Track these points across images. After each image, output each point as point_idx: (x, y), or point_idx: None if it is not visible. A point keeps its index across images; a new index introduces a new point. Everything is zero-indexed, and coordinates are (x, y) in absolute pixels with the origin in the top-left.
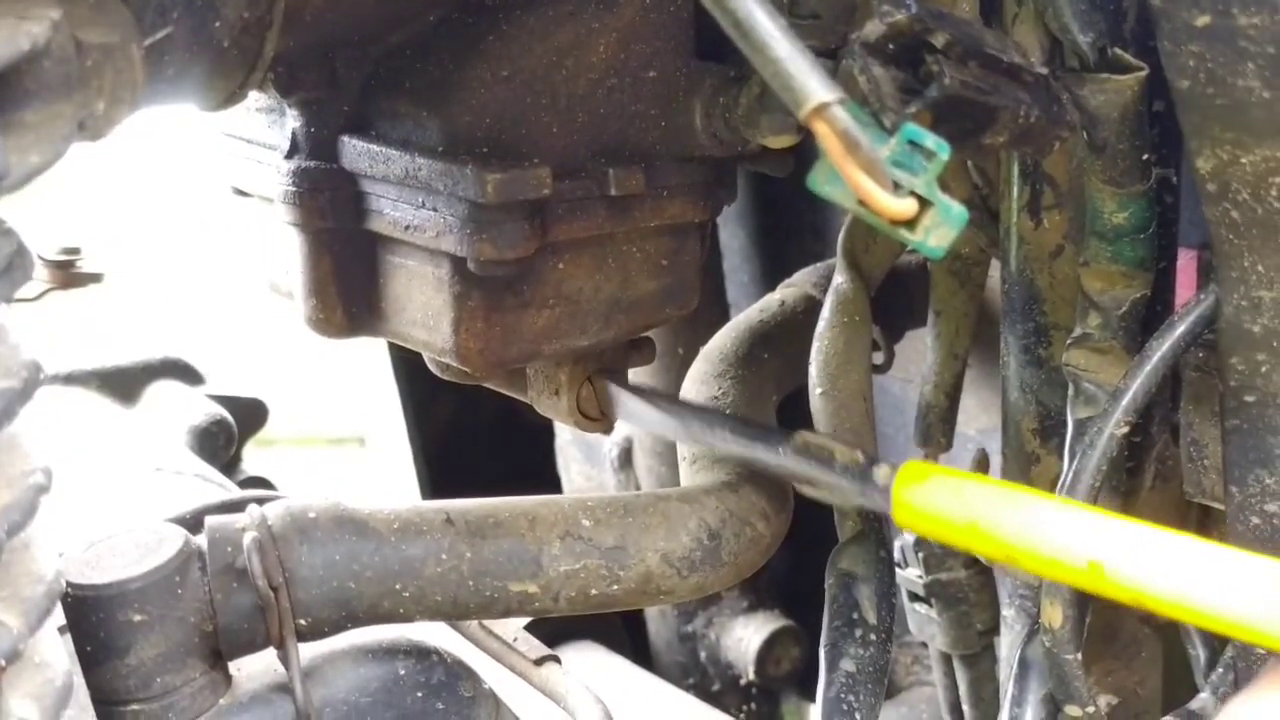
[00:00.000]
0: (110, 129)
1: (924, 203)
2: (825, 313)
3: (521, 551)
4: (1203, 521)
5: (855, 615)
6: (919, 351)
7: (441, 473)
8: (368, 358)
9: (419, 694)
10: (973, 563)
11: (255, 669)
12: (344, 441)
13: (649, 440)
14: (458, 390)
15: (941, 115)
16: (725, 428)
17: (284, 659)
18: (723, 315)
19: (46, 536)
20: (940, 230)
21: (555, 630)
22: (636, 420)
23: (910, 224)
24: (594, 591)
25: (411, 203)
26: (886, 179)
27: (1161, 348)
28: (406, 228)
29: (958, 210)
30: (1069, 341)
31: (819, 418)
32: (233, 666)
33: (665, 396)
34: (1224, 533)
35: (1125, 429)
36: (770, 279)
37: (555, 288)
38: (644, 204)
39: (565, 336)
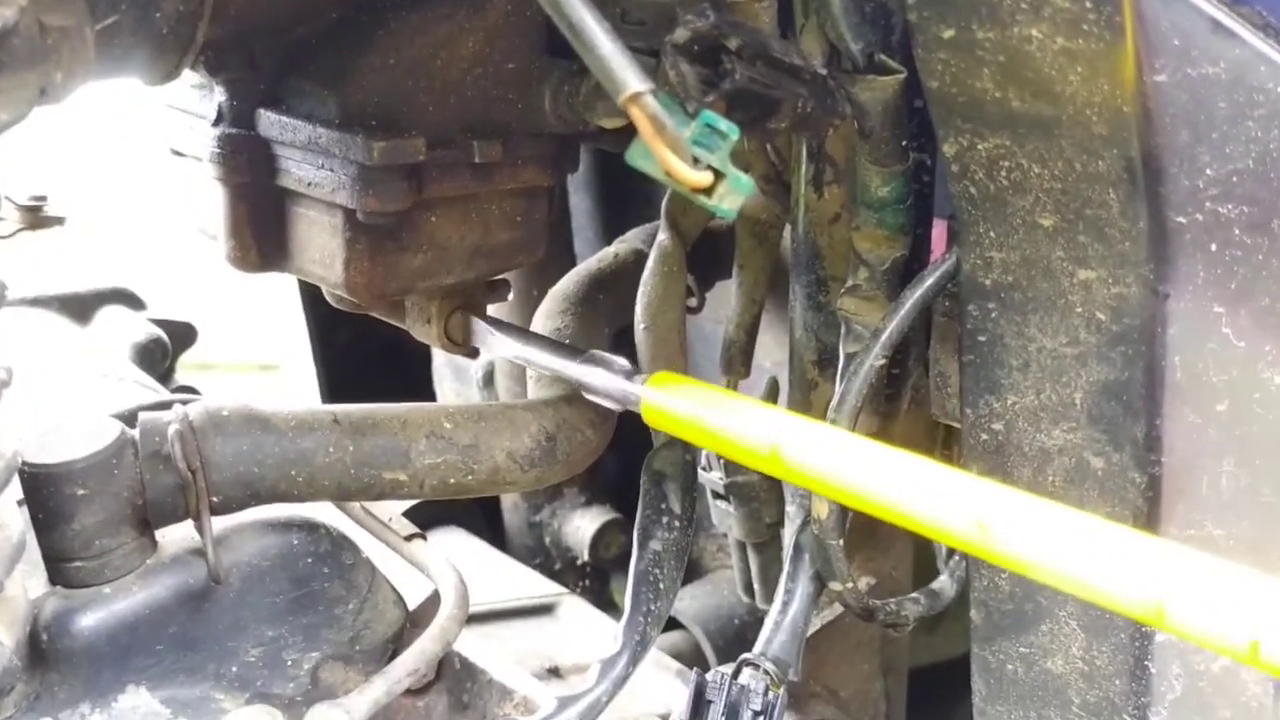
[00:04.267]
0: (67, 95)
1: (718, 174)
2: (650, 264)
3: (394, 446)
4: (946, 440)
5: (663, 506)
6: (725, 297)
7: (341, 389)
8: (282, 292)
9: (309, 560)
10: None
11: (176, 537)
12: (271, 368)
13: (506, 364)
14: (354, 320)
15: (734, 104)
16: (552, 351)
17: (199, 529)
18: (570, 264)
19: (7, 424)
20: (731, 196)
21: (427, 517)
22: (491, 345)
23: (708, 191)
24: (452, 481)
25: (313, 164)
26: (688, 155)
27: (913, 296)
28: (309, 184)
29: (745, 180)
30: (842, 290)
31: (641, 349)
32: (158, 535)
33: (515, 327)
34: (962, 447)
35: (883, 361)
36: (608, 236)
37: (428, 236)
38: (502, 170)
39: (435, 275)
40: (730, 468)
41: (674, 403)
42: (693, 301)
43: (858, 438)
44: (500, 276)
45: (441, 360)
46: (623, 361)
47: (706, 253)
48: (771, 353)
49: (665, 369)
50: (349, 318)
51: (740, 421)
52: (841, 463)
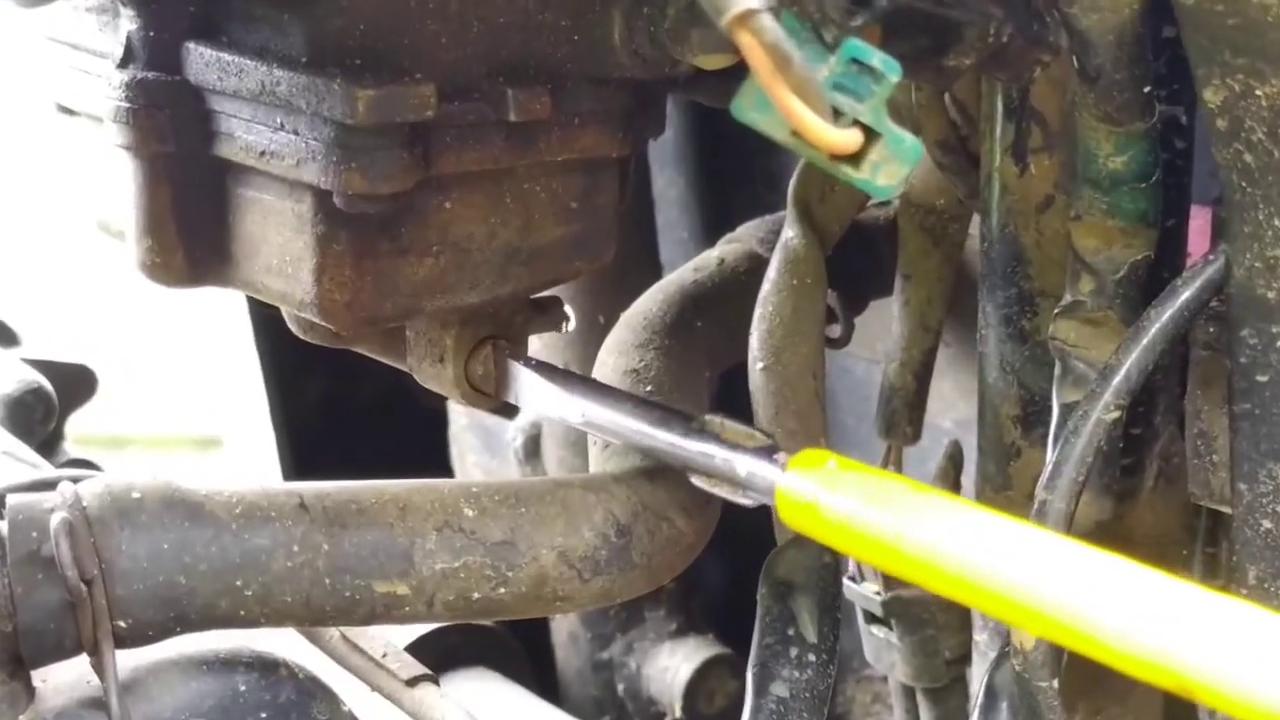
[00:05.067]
0: None
1: (870, 135)
2: (771, 273)
3: (389, 544)
4: (1213, 531)
5: (791, 631)
6: (885, 324)
7: (311, 463)
8: (226, 318)
9: (263, 715)
10: None
11: (64, 680)
12: (211, 443)
13: (561, 426)
14: (331, 361)
15: (893, 30)
16: (624, 407)
17: (98, 668)
18: (654, 277)
19: None
20: (890, 167)
21: (442, 653)
22: (535, 399)
23: (854, 159)
24: (476, 595)
25: (268, 124)
26: (825, 104)
27: (1161, 318)
28: (261, 154)
29: (910, 143)
30: (1056, 311)
31: (758, 397)
32: (37, 676)
33: (570, 374)
34: (1234, 542)
35: (1116, 413)
36: (712, 234)
37: (440, 231)
38: (550, 133)
39: (451, 291)
40: (892, 577)
41: (829, 498)
42: (835, 330)
43: (1073, 544)
44: (549, 293)
45: (463, 422)
46: (752, 431)
47: (857, 258)
48: (952, 406)
49: (795, 430)
50: (323, 358)
51: (925, 528)
52: (1052, 575)
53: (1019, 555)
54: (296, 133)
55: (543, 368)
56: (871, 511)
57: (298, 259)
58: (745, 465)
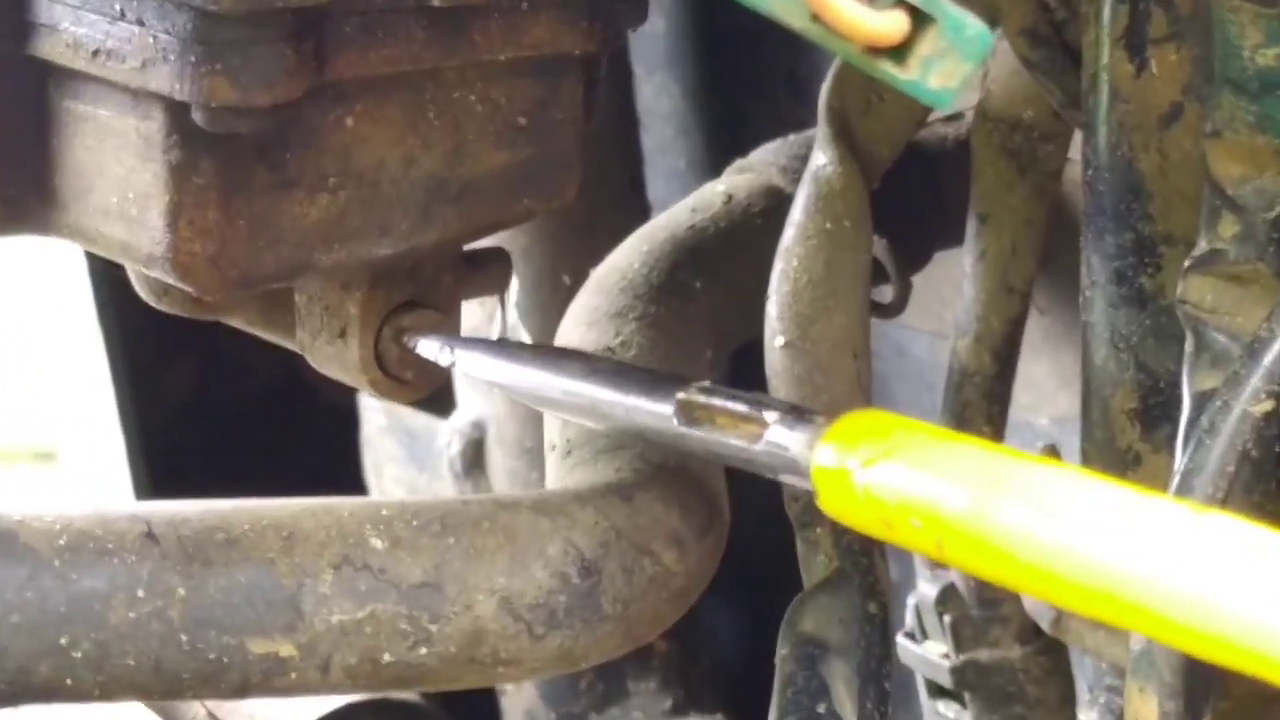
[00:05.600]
0: None
1: (920, 17)
2: (797, 214)
3: (269, 588)
4: None
5: (822, 708)
6: (955, 285)
7: (170, 480)
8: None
9: None
10: (1032, 634)
11: None
12: (46, 456)
13: (514, 426)
14: (200, 340)
15: None
16: (604, 378)
17: None
18: (637, 220)
19: None
20: (947, 63)
21: None
22: (475, 380)
23: (898, 53)
24: (388, 658)
25: (104, 12)
26: None
27: None
28: (95, 53)
29: (976, 30)
30: (1188, 264)
31: (779, 381)
32: None
33: (520, 345)
34: None
35: (1268, 404)
36: (716, 161)
37: (339, 158)
38: (488, 22)
39: (355, 239)
40: (964, 633)
41: (889, 475)
42: (886, 293)
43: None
44: (489, 243)
45: (380, 422)
46: (767, 398)
47: (913, 193)
48: (1049, 397)
49: (834, 413)
50: (188, 336)
51: (1061, 514)
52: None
53: (1199, 548)
54: (142, 23)
55: (484, 344)
56: (959, 487)
57: (144, 197)
58: (767, 432)
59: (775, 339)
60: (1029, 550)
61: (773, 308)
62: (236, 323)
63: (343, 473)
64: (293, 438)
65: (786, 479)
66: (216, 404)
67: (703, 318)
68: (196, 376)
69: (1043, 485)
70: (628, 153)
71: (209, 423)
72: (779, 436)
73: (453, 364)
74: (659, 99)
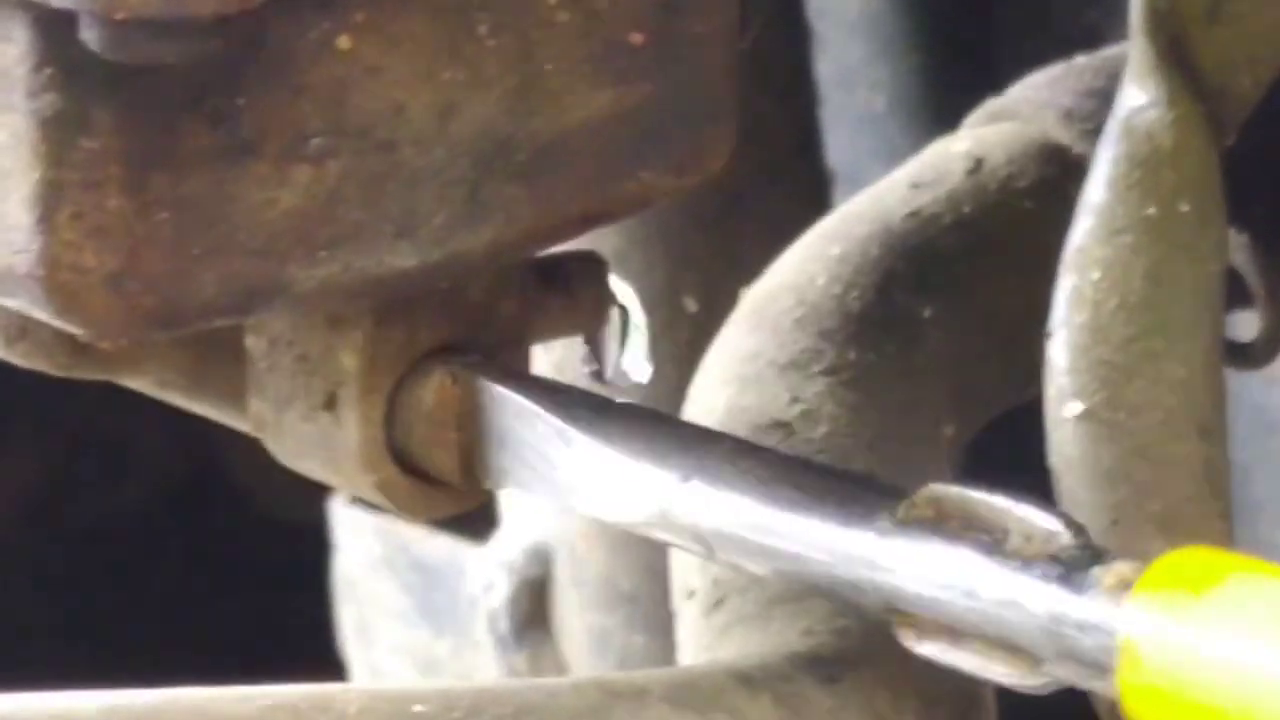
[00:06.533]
0: None
1: None
2: (1097, 192)
3: None
4: None
5: None
6: None
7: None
8: None
9: None
10: None
11: None
12: None
13: (602, 556)
14: (59, 419)
15: None
16: (758, 478)
17: None
18: (812, 199)
19: None
20: None
21: None
22: (534, 478)
23: None
24: None
25: None
26: None
27: None
28: None
29: None
30: None
31: (1069, 480)
32: None
33: (633, 408)
34: None
35: None
36: (951, 106)
37: (328, 105)
38: None
39: (355, 241)
40: None
41: (1245, 648)
42: (1250, 325)
43: None
44: (574, 247)
45: (368, 552)
46: (1048, 516)
47: None
48: None
49: (1170, 528)
50: (41, 412)
51: None
52: None
53: None
54: None
55: (553, 391)
56: None
57: (6, 175)
58: (1030, 593)
59: (1065, 405)
60: None
61: (1060, 352)
62: (142, 384)
63: (300, 633)
64: (222, 573)
65: (1068, 673)
66: (73, 523)
67: (938, 370)
68: (35, 480)
69: None
70: (799, 96)
71: (57, 552)
72: (1050, 600)
73: None
74: (846, 7)
